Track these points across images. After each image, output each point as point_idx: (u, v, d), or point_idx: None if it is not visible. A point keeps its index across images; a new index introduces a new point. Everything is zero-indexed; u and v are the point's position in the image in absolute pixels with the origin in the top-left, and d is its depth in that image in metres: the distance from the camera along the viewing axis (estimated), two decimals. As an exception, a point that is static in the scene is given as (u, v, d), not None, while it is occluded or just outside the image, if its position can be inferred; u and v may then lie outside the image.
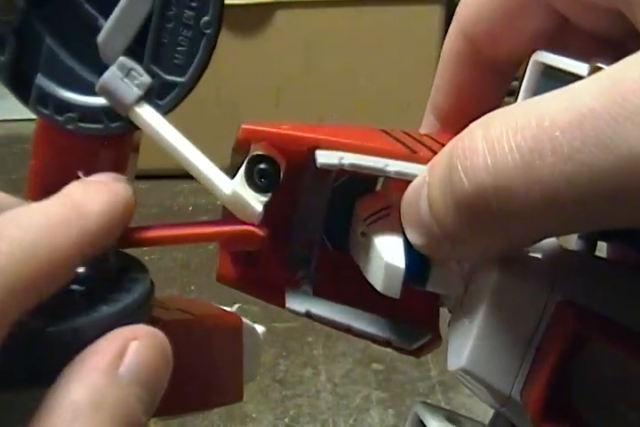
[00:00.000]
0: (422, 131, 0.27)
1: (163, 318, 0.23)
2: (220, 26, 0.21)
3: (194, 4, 0.21)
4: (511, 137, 0.17)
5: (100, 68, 0.21)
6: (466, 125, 0.26)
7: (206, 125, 1.30)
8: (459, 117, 0.26)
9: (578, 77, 0.20)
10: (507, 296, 0.21)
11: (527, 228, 0.18)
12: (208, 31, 0.21)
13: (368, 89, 1.29)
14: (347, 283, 0.25)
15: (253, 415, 0.77)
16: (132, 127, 0.21)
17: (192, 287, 0.96)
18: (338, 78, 1.27)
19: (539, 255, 0.22)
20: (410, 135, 0.24)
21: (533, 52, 0.23)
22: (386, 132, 0.24)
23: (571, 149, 0.16)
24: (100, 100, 0.21)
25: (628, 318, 0.21)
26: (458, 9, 0.25)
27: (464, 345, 0.22)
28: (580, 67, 0.21)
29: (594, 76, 0.17)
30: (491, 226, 0.18)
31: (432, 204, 0.19)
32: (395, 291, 0.22)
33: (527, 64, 0.24)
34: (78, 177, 0.22)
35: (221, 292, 0.32)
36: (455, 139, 0.19)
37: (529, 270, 0.22)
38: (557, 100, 0.17)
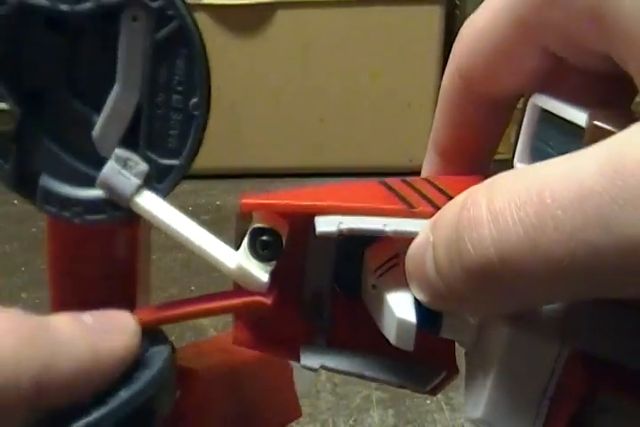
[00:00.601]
0: (425, 166, 0.28)
1: (196, 367, 0.24)
2: (208, 106, 0.22)
3: (180, 88, 0.21)
4: (514, 211, 0.17)
5: (98, 160, 0.22)
6: (468, 166, 0.27)
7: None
8: (460, 153, 0.27)
9: (576, 126, 0.21)
10: (518, 351, 0.22)
11: (533, 295, 0.19)
12: (197, 113, 0.21)
13: (368, 89, 1.29)
14: (361, 327, 0.26)
15: (253, 415, 0.77)
16: (134, 214, 0.22)
17: (192, 288, 0.96)
18: (338, 78, 1.27)
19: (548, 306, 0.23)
20: (408, 184, 0.24)
21: (531, 88, 0.24)
22: (384, 184, 0.24)
23: (573, 228, 0.16)
24: (101, 192, 0.22)
25: (638, 361, 0.21)
26: (454, 47, 0.25)
27: (480, 396, 0.23)
28: (578, 116, 0.21)
29: (594, 150, 0.17)
30: (498, 291, 0.19)
31: (439, 266, 0.20)
32: (408, 345, 0.22)
33: (527, 98, 0.24)
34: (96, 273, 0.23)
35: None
36: (461, 205, 0.19)
37: (539, 323, 0.22)
38: (558, 175, 0.17)
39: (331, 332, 0.26)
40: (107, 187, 0.22)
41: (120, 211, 0.22)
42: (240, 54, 1.26)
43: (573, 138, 0.21)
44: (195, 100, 0.21)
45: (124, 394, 0.20)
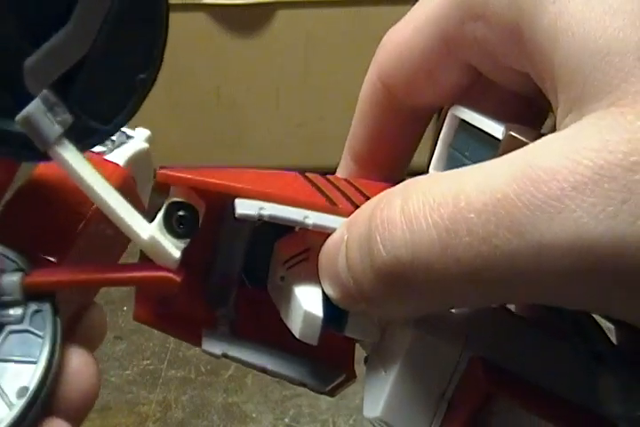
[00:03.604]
0: (339, 172, 0.28)
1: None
2: (152, 84, 0.21)
3: (133, 60, 0.21)
4: (428, 214, 0.17)
5: (21, 94, 0.20)
6: (383, 174, 0.27)
7: (206, 125, 1.30)
8: (375, 160, 0.27)
9: (493, 138, 0.21)
10: (421, 352, 0.22)
11: (445, 299, 0.19)
12: (141, 89, 0.21)
13: (368, 89, 1.29)
14: (265, 321, 0.25)
15: (253, 415, 0.77)
16: (45, 159, 0.21)
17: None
18: (337, 78, 1.27)
19: (452, 310, 0.23)
20: (330, 182, 0.24)
21: (451, 101, 0.24)
22: (306, 178, 0.24)
23: (485, 232, 0.16)
24: (16, 127, 0.21)
25: (534, 373, 0.22)
26: (377, 53, 0.25)
27: (380, 396, 0.23)
28: (495, 128, 0.21)
29: (508, 158, 0.17)
30: (408, 295, 0.19)
31: (350, 264, 0.20)
32: (312, 338, 0.22)
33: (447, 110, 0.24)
34: None
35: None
36: (374, 205, 0.19)
37: (443, 326, 0.22)
38: (474, 180, 0.17)
39: (235, 321, 0.26)
40: (28, 124, 0.20)
41: (29, 151, 0.21)
42: (240, 54, 1.25)
43: (489, 149, 0.22)
44: (142, 75, 0.21)
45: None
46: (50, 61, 0.20)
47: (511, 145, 0.20)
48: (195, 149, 1.31)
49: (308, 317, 0.22)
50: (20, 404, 0.20)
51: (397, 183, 0.25)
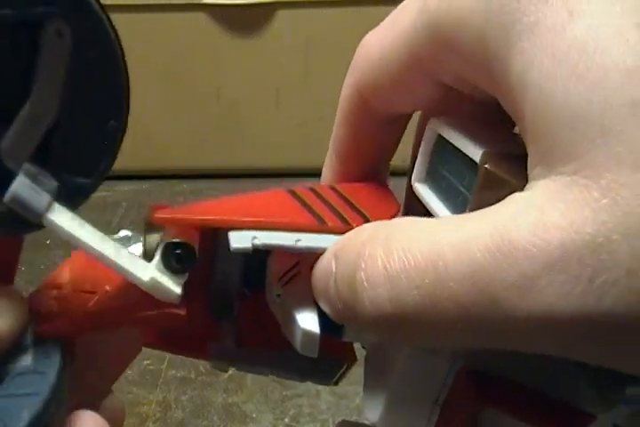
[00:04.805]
0: (325, 171, 0.29)
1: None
2: (125, 130, 0.21)
3: (100, 109, 0.21)
4: (411, 277, 0.18)
5: (3, 173, 0.20)
6: (365, 171, 0.28)
7: (206, 125, 1.30)
8: (358, 160, 0.28)
9: (469, 160, 0.21)
10: (414, 364, 0.24)
11: (428, 342, 0.21)
12: (114, 135, 0.21)
13: (368, 89, 1.29)
14: (267, 325, 0.26)
15: (253, 415, 0.77)
16: (36, 229, 0.21)
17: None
18: (338, 78, 1.27)
19: None
20: (317, 195, 0.25)
21: (426, 109, 0.25)
22: (295, 195, 0.24)
23: (465, 300, 0.17)
24: (3, 206, 0.21)
25: (521, 376, 0.23)
26: (354, 59, 0.26)
27: (377, 404, 0.25)
28: (472, 151, 0.21)
29: (483, 226, 0.18)
30: (394, 335, 0.20)
31: (341, 298, 0.21)
32: (312, 352, 0.23)
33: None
34: None
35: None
36: (359, 251, 0.20)
37: None
38: (452, 244, 0.18)
39: (239, 332, 0.27)
40: (17, 201, 0.20)
41: (24, 225, 0.21)
42: (240, 54, 1.25)
43: (467, 168, 0.22)
44: (112, 122, 0.21)
45: (25, 415, 0.20)
46: (23, 137, 0.20)
47: (489, 180, 0.20)
48: (195, 149, 1.31)
49: (306, 335, 0.23)
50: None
51: (380, 181, 0.27)
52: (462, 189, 0.22)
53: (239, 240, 0.22)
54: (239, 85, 1.28)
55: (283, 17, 1.24)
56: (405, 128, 0.28)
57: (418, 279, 0.18)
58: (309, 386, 0.80)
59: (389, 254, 0.19)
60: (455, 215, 0.19)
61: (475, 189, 0.20)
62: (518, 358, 0.23)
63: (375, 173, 0.28)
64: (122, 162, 0.22)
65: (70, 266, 0.25)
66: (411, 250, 0.19)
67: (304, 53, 1.27)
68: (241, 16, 1.23)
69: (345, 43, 1.28)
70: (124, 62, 0.21)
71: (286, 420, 0.76)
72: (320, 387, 0.80)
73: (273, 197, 0.25)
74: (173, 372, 0.83)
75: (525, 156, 0.19)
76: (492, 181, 0.20)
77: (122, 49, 0.21)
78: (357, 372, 0.28)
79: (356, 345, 0.29)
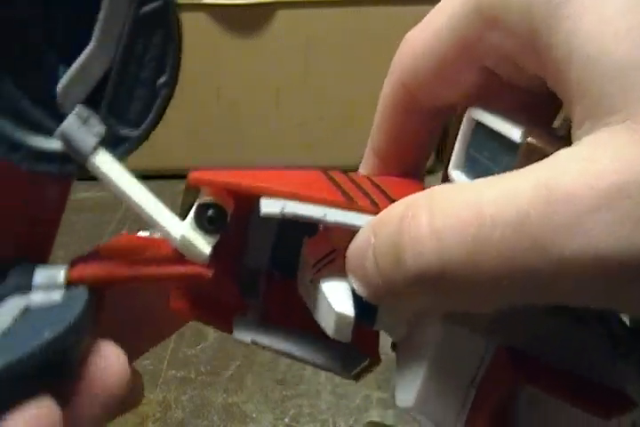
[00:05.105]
0: (362, 167, 0.29)
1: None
2: (175, 86, 0.22)
3: (152, 65, 0.22)
4: (456, 232, 0.18)
5: (57, 113, 0.22)
6: (403, 168, 0.28)
7: (206, 125, 1.30)
8: (397, 157, 0.28)
9: (510, 141, 0.22)
10: (450, 343, 0.23)
11: (471, 303, 0.20)
12: (163, 91, 0.22)
13: (368, 89, 1.29)
14: (293, 309, 0.27)
15: (253, 415, 0.77)
16: (83, 170, 0.22)
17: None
18: (338, 78, 1.27)
19: None
20: (351, 179, 0.25)
21: (469, 99, 0.25)
22: (328, 176, 0.25)
23: (511, 251, 0.18)
24: (55, 144, 0.22)
25: (558, 358, 0.23)
26: (396, 57, 0.27)
27: (411, 387, 0.24)
28: (512, 131, 0.22)
29: (528, 175, 0.18)
30: (436, 296, 0.20)
31: (380, 269, 0.21)
32: (346, 337, 0.23)
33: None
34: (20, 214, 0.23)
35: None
36: (401, 214, 0.20)
37: (470, 317, 0.23)
38: (496, 196, 0.18)
39: (264, 310, 0.27)
40: (66, 140, 0.22)
41: (69, 165, 0.22)
42: (240, 54, 1.25)
43: (506, 150, 0.22)
44: (163, 78, 0.22)
45: (47, 334, 0.20)
46: (79, 81, 0.21)
47: (529, 151, 0.21)
48: (195, 149, 1.31)
49: (340, 318, 0.23)
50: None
51: (418, 179, 0.27)
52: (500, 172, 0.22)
53: (269, 205, 0.23)
54: (239, 85, 1.28)
55: (283, 17, 1.24)
56: (444, 125, 0.28)
57: (463, 232, 0.18)
58: (309, 386, 0.80)
59: (433, 213, 0.19)
60: (495, 176, 0.20)
61: (515, 165, 0.20)
62: (557, 340, 0.22)
63: (413, 173, 0.29)
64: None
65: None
66: (454, 207, 0.19)
67: (304, 53, 1.27)
68: (241, 16, 1.23)
69: (345, 43, 1.28)
70: (179, 20, 0.21)
71: (286, 420, 0.76)
72: (320, 387, 0.80)
73: (307, 173, 0.25)
74: (173, 372, 0.83)
75: (564, 138, 0.19)
76: (534, 153, 0.20)
77: (175, 5, 0.21)
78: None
79: (382, 349, 0.28)
